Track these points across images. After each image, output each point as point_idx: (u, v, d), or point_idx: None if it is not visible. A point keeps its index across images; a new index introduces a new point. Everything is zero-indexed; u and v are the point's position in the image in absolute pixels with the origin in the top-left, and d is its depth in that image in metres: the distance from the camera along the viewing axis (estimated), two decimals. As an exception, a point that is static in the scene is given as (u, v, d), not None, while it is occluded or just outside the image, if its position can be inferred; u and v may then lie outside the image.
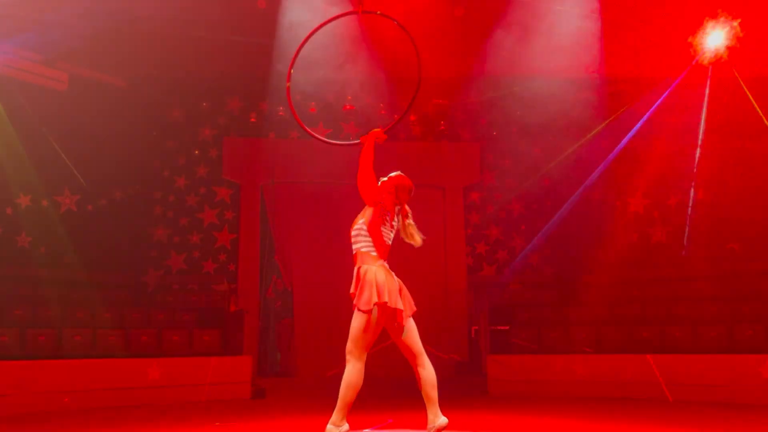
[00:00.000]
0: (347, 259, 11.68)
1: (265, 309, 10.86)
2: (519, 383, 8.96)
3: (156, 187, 11.19)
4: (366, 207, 4.42)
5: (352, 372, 4.27)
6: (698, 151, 10.15)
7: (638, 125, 10.35)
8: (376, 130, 4.63)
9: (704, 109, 10.03)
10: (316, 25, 5.15)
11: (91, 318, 9.06)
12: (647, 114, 10.28)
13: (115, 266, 10.39)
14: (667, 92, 9.99)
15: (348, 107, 11.24)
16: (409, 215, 4.49)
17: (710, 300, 9.38)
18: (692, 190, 10.58)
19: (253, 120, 11.36)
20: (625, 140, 10.50)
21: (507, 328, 9.76)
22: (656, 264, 10.73)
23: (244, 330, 9.39)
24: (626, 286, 10.59)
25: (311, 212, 11.08)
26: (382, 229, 4.36)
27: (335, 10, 6.20)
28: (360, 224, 4.42)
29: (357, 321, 4.34)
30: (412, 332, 4.34)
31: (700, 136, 10.02)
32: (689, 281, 10.14)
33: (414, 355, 4.32)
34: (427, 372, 4.28)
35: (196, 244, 11.19)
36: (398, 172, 4.46)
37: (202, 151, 11.37)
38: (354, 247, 4.46)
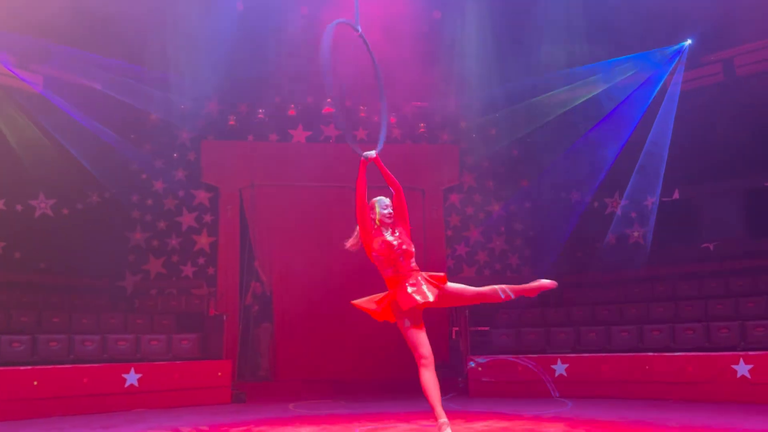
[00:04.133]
0: (327, 262, 11.72)
1: (244, 313, 10.78)
2: (499, 384, 9.03)
3: (133, 190, 11.06)
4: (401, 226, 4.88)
5: (422, 377, 4.58)
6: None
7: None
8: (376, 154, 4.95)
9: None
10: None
11: (67, 324, 8.94)
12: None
13: (92, 271, 10.24)
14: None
15: (328, 110, 11.23)
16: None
17: (686, 299, 9.54)
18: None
19: (231, 123, 11.28)
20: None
21: (487, 329, 9.81)
22: (634, 264, 10.86)
23: (223, 334, 9.31)
24: (605, 286, 10.73)
25: (291, 215, 11.03)
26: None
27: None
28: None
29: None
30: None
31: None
32: (665, 281, 10.30)
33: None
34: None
35: (175, 248, 11.08)
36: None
37: (180, 155, 11.27)
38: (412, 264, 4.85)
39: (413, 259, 4.82)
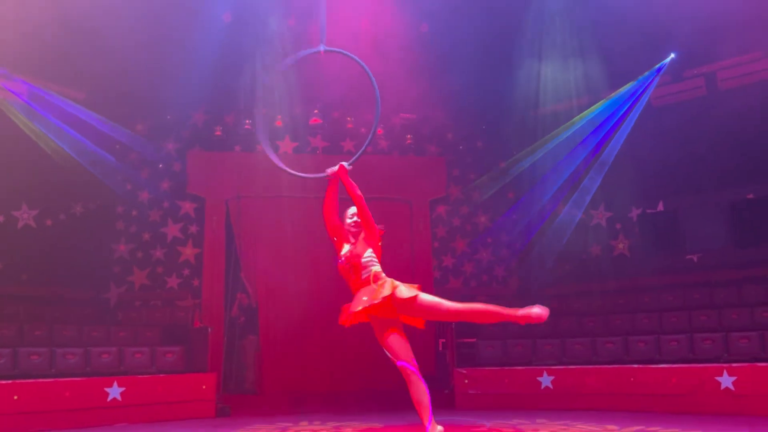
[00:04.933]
0: (314, 274, 11.65)
1: (230, 325, 10.70)
2: (486, 396, 9.02)
3: (118, 201, 10.96)
4: (364, 241, 4.83)
5: (409, 386, 4.55)
6: None
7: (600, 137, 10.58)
8: (339, 165, 4.92)
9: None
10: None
11: (49, 336, 8.82)
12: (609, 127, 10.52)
13: (75, 283, 10.13)
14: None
15: (315, 121, 11.23)
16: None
17: (671, 310, 9.60)
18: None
19: (218, 133, 11.24)
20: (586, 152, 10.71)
21: (474, 340, 9.81)
22: (618, 275, 10.93)
23: (208, 346, 9.22)
24: (591, 297, 10.78)
25: (277, 227, 10.99)
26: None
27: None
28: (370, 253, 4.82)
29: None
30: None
31: None
32: (650, 292, 10.37)
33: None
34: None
35: (160, 260, 10.99)
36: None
37: (166, 165, 11.20)
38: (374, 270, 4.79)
39: (366, 271, 4.72)
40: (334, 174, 4.91)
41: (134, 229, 10.98)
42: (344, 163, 4.97)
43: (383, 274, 4.75)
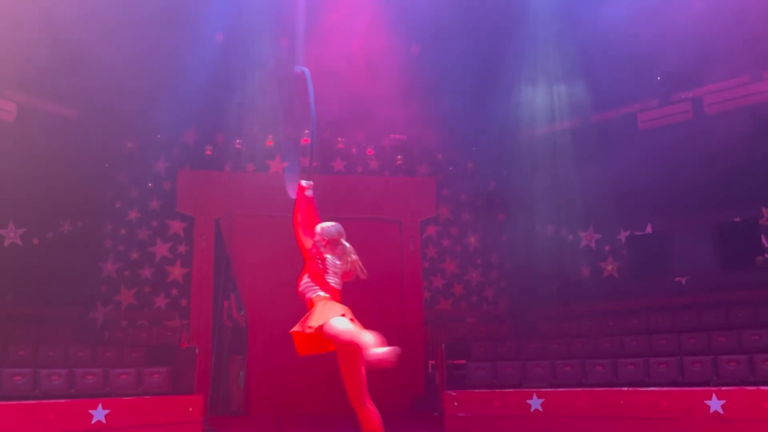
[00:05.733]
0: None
1: (218, 346, 10.59)
2: (476, 419, 8.95)
3: (107, 219, 10.89)
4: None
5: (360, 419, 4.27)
6: None
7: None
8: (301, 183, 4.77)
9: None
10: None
11: (33, 357, 8.68)
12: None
13: (61, 302, 10.01)
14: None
15: (306, 140, 11.23)
16: (348, 252, 4.53)
17: (660, 333, 9.61)
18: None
19: (208, 153, 11.22)
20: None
21: (464, 362, 9.75)
22: (608, 297, 10.96)
23: (195, 367, 9.11)
24: (580, 319, 10.79)
25: (268, 246, 10.92)
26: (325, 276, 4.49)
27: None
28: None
29: None
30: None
31: None
32: (638, 314, 10.39)
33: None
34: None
35: (148, 279, 10.89)
36: (328, 225, 4.57)
37: (156, 184, 11.15)
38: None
39: (301, 288, 4.56)
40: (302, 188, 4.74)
41: (122, 247, 10.90)
42: (302, 182, 4.78)
43: (316, 297, 4.45)
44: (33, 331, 9.56)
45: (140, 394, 8.46)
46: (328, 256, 4.50)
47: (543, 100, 10.54)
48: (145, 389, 8.60)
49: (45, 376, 8.10)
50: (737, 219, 10.32)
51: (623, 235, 11.28)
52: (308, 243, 4.55)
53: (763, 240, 10.00)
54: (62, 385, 8.15)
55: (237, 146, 11.16)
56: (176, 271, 11.01)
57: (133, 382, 8.60)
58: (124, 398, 8.21)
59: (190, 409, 8.54)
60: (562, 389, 8.90)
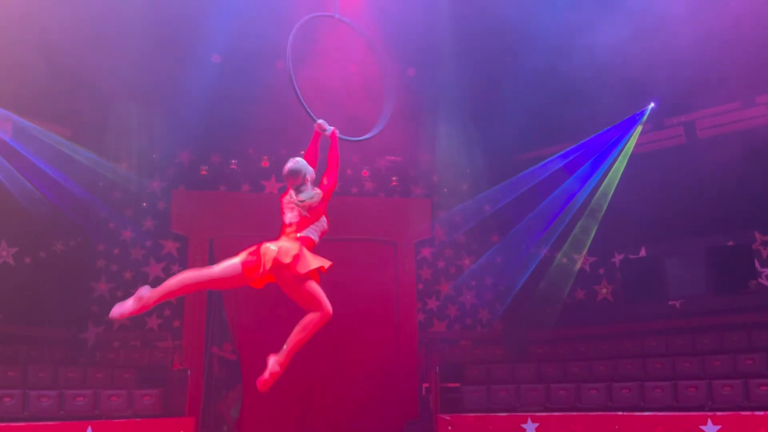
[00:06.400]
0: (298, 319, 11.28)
1: (209, 368, 10.46)
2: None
3: (100, 239, 10.83)
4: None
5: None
6: None
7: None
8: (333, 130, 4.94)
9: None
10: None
11: (22, 378, 8.57)
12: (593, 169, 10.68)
13: (52, 322, 9.90)
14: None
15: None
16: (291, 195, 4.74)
17: (654, 357, 9.59)
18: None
19: (203, 173, 11.22)
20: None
21: (458, 385, 9.69)
22: (602, 320, 10.95)
23: (187, 389, 9.01)
24: (574, 342, 10.76)
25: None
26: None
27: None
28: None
29: None
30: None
31: None
32: (633, 337, 10.37)
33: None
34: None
35: (140, 299, 10.78)
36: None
37: (150, 203, 11.12)
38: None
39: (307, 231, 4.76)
40: (323, 133, 4.85)
41: (115, 267, 10.83)
42: (336, 130, 4.86)
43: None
44: (23, 351, 9.45)
45: (131, 417, 8.38)
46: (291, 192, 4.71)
47: (536, 124, 10.59)
48: (136, 411, 8.50)
49: (34, 397, 8.02)
50: (730, 243, 10.37)
51: (617, 258, 11.31)
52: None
53: (757, 264, 10.03)
54: (52, 406, 8.06)
55: (232, 166, 11.15)
56: (169, 292, 10.91)
57: (123, 403, 8.51)
58: (115, 420, 8.13)
59: (181, 432, 8.45)
60: (556, 413, 8.85)
